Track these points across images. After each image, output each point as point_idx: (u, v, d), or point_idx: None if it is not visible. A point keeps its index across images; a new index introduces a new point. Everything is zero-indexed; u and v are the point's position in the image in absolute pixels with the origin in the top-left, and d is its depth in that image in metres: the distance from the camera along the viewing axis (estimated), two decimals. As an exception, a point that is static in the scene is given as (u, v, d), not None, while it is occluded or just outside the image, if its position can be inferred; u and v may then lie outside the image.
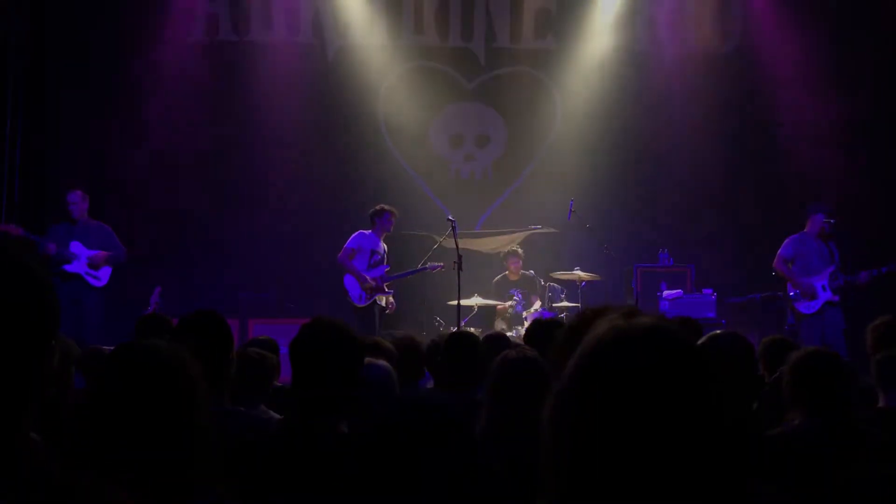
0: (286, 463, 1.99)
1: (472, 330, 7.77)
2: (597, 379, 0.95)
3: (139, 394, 1.57)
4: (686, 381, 0.94)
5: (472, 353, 3.48)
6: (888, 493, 2.02)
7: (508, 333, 7.43)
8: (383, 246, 7.95)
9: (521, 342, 5.03)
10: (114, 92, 9.09)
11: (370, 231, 7.87)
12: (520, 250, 8.57)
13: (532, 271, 8.67)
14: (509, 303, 8.23)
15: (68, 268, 7.22)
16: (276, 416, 2.84)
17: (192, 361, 1.66)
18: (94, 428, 1.58)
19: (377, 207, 7.88)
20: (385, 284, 7.83)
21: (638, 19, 9.87)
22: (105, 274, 7.45)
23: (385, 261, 7.92)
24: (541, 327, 3.92)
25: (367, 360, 2.60)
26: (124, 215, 8.64)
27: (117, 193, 8.86)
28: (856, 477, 2.26)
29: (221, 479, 1.62)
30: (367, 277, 7.70)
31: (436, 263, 7.98)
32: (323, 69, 9.59)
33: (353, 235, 7.84)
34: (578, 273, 8.05)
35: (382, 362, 2.60)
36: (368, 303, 7.73)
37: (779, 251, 7.47)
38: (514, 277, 8.48)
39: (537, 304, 8.34)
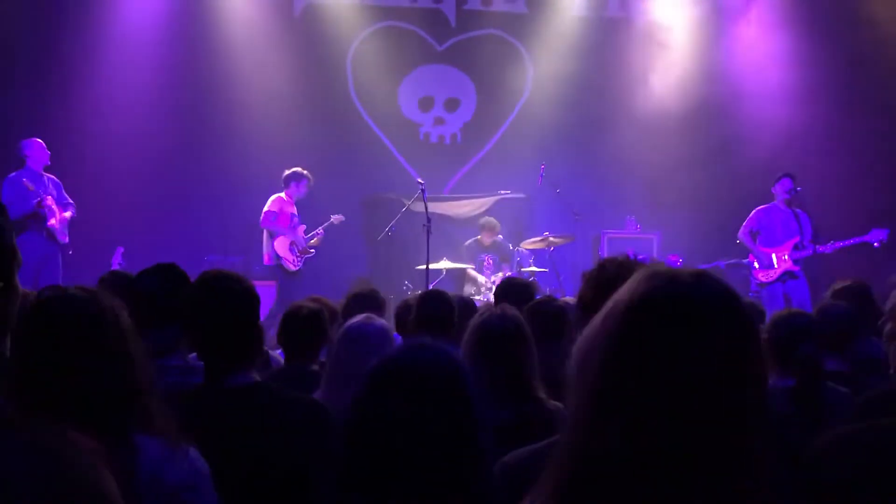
0: (197, 416, 1.98)
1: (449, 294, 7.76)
2: (652, 327, 0.89)
3: (66, 336, 1.58)
4: (740, 329, 0.90)
5: (447, 311, 3.44)
6: (853, 451, 2.05)
7: (477, 298, 7.44)
8: (296, 209, 7.98)
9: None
10: (71, 46, 8.76)
11: (286, 194, 7.86)
12: (496, 224, 8.52)
13: (501, 236, 8.66)
14: (482, 279, 8.20)
15: (49, 224, 6.86)
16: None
17: (117, 303, 1.67)
18: (24, 371, 1.58)
19: (294, 171, 7.88)
20: (308, 245, 7.90)
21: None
22: (66, 231, 7.20)
23: (300, 223, 7.99)
24: (513, 286, 3.90)
25: (364, 317, 2.56)
26: (85, 173, 8.39)
27: (79, 151, 8.59)
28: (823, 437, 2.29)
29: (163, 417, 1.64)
30: (294, 235, 7.79)
31: (336, 215, 8.11)
32: (289, 25, 9.38)
33: (272, 199, 7.82)
34: (550, 238, 8.04)
35: (379, 320, 2.53)
36: (300, 267, 7.82)
37: (744, 222, 7.54)
38: (486, 243, 8.48)
39: (504, 272, 8.33)
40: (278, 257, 7.75)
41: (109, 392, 1.56)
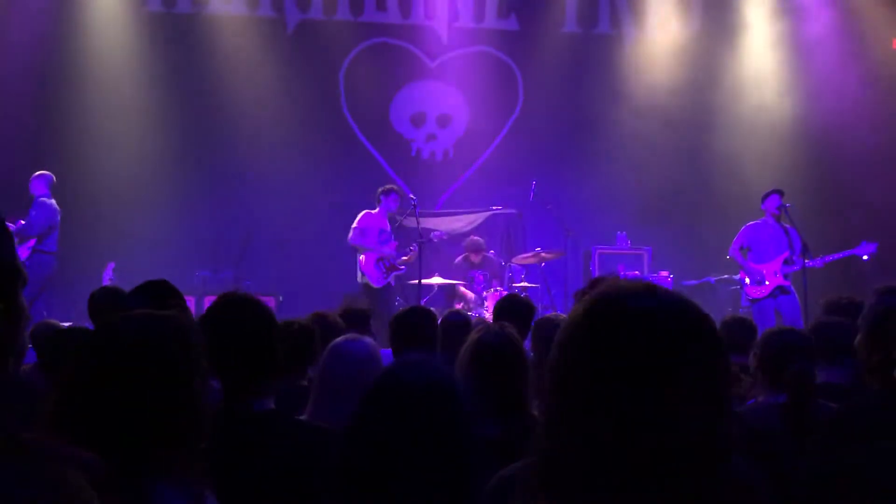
0: (216, 444, 1.92)
1: (433, 310, 7.77)
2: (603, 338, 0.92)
3: (122, 368, 1.47)
4: (693, 331, 0.92)
5: (424, 326, 3.45)
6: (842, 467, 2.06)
7: (468, 313, 7.44)
8: (388, 225, 7.86)
9: (485, 321, 5.03)
10: (62, 63, 8.78)
11: (376, 210, 7.77)
12: (481, 243, 8.54)
13: (493, 251, 8.69)
14: (472, 295, 8.21)
15: None
16: None
17: (198, 331, 1.59)
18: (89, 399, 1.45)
19: (385, 187, 7.82)
20: (398, 262, 7.73)
21: (600, 2, 9.92)
22: (20, 252, 7.14)
23: (392, 239, 7.85)
24: (514, 304, 3.92)
25: (349, 336, 2.55)
26: (77, 189, 8.40)
27: (69, 167, 8.58)
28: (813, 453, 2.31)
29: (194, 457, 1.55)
30: (382, 251, 7.63)
31: (437, 231, 8.05)
32: (283, 44, 9.42)
33: (360, 216, 7.70)
34: (541, 254, 8.07)
35: (365, 339, 2.53)
36: (385, 283, 7.65)
37: (734, 239, 7.58)
38: (474, 261, 8.51)
39: (495, 287, 8.34)
40: (363, 274, 7.62)
41: (155, 433, 1.45)
